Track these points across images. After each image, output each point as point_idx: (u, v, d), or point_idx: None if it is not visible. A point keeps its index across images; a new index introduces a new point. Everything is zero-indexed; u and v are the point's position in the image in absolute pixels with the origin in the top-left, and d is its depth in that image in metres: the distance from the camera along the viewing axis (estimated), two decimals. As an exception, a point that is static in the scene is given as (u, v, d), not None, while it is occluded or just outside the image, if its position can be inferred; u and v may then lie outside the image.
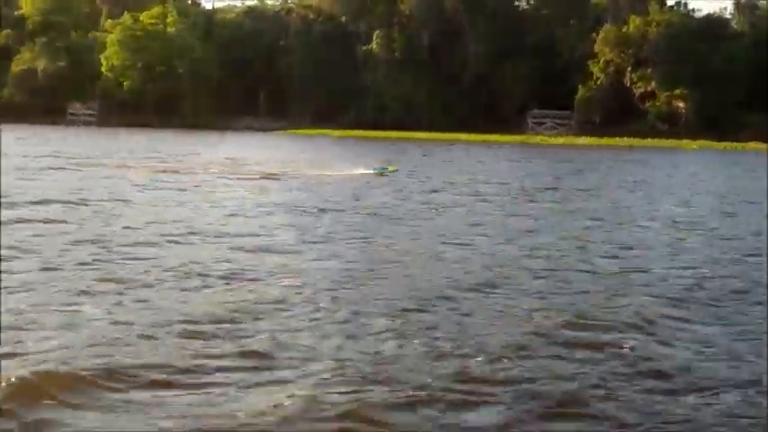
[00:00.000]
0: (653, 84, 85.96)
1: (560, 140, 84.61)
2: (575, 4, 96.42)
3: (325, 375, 6.70)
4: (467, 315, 8.93)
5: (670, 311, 9.39)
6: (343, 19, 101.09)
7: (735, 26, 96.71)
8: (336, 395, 6.25)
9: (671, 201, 25.22)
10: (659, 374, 7.09)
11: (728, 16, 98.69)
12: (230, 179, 27.38)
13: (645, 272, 12.07)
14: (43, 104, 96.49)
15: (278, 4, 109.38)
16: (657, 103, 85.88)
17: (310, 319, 8.47)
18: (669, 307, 9.62)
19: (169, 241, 13.38)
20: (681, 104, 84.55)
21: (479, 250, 13.70)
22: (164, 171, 29.25)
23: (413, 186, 27.25)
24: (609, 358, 7.50)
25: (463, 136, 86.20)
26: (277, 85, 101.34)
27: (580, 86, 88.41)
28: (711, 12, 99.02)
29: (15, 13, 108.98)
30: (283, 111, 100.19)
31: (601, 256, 13.40)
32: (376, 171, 30.86)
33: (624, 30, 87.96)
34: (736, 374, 7.17)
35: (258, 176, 28.35)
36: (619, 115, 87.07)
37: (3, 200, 17.15)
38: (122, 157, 37.63)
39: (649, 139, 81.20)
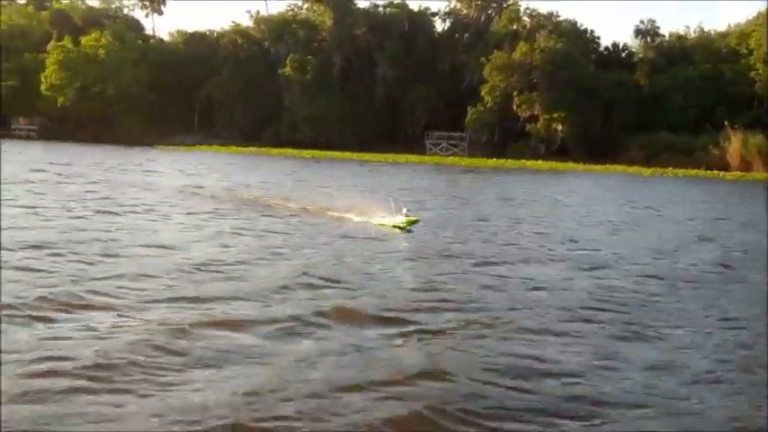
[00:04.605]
0: (537, 108, 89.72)
1: (450, 160, 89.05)
2: (478, 30, 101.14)
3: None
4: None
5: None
6: (266, 44, 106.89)
7: (636, 53, 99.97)
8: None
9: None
10: None
11: (631, 43, 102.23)
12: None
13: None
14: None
15: (215, 30, 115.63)
16: (538, 126, 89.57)
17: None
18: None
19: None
20: (559, 127, 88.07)
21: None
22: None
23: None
24: None
25: (368, 156, 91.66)
26: (208, 106, 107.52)
27: (469, 109, 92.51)
28: (615, 40, 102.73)
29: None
30: (215, 130, 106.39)
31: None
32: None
33: (512, 56, 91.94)
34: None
35: None
36: (507, 138, 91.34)
37: None
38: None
39: (523, 161, 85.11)
